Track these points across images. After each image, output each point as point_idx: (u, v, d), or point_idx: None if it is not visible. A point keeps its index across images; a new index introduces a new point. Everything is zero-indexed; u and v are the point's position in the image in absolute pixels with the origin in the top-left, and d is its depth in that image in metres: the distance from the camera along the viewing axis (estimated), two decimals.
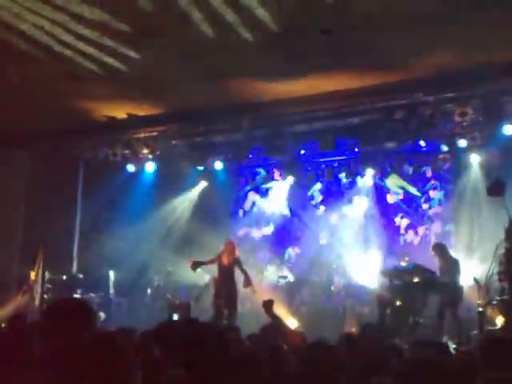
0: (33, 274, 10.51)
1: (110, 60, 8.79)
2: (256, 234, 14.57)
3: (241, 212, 14.86)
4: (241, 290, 10.89)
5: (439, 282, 9.85)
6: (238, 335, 5.38)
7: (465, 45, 8.79)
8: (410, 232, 13.11)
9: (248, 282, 10.54)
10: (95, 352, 1.68)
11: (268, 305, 7.34)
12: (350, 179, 13.79)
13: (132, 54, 8.66)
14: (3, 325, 5.87)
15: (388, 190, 13.50)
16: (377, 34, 8.39)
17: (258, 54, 9.01)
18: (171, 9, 7.47)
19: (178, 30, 8.23)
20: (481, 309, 8.83)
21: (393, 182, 13.48)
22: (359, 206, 13.55)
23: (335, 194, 13.97)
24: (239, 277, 10.80)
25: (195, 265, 10.77)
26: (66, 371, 1.66)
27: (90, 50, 8.51)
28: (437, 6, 7.57)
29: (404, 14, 7.78)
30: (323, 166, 14.12)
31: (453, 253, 10.58)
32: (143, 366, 3.38)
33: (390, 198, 13.47)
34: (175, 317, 10.72)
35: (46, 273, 11.20)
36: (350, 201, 13.71)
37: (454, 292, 9.71)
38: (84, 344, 1.72)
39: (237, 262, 10.51)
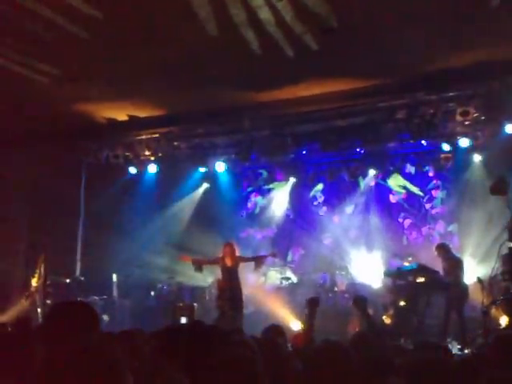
0: (34, 280, 10.50)
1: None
2: (258, 235, 14.56)
3: (243, 213, 14.85)
4: (244, 292, 10.88)
5: (443, 283, 9.83)
6: (242, 337, 5.36)
7: (466, 44, 8.78)
8: (413, 232, 13.09)
9: (259, 261, 10.61)
10: (86, 361, 1.67)
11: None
12: (352, 179, 13.76)
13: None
14: (9, 329, 5.86)
15: (390, 190, 13.48)
16: (379, 33, 8.37)
17: (260, 58, 9.01)
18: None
19: (180, 36, 8.24)
20: (485, 309, 8.80)
21: (395, 181, 13.46)
22: (361, 206, 13.53)
23: (337, 194, 13.95)
24: (242, 280, 10.79)
25: (196, 263, 10.72)
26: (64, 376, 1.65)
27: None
28: (438, 5, 7.56)
29: (405, 13, 7.77)
30: (325, 166, 14.10)
31: (456, 253, 10.56)
32: (145, 368, 3.37)
33: (393, 198, 13.46)
34: (183, 320, 10.68)
35: (49, 276, 11.19)
36: (353, 201, 13.70)
37: (458, 292, 9.69)
38: (74, 352, 1.72)
39: (241, 259, 10.51)
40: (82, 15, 7.60)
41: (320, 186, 14.20)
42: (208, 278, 12.47)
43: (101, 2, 7.43)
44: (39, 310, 10.84)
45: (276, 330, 5.49)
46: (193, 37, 8.29)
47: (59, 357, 1.71)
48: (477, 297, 9.36)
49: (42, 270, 11.01)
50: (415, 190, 13.26)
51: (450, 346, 7.98)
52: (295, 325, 10.97)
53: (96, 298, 12.21)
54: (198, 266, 10.70)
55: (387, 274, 11.00)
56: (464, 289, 9.76)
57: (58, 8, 7.50)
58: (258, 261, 10.69)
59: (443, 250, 10.37)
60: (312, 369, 3.02)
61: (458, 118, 10.89)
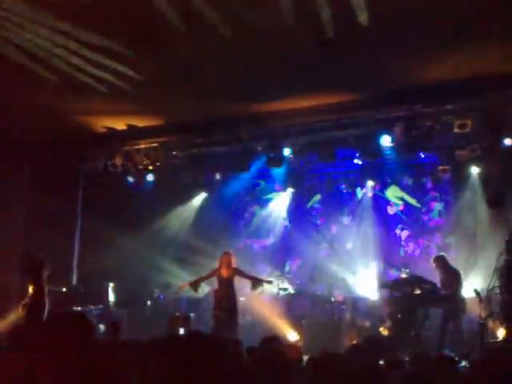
0: (31, 288, 10.46)
1: (109, 77, 8.81)
2: (256, 245, 14.56)
3: (241, 223, 14.84)
4: (241, 302, 10.87)
5: (440, 295, 9.82)
6: (240, 348, 5.34)
7: (464, 56, 8.82)
8: (411, 243, 13.09)
9: (257, 283, 10.51)
10: (94, 365, 1.67)
11: None
12: (349, 190, 13.79)
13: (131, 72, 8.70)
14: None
15: (388, 202, 13.50)
16: (376, 46, 8.41)
17: (259, 71, 9.05)
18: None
19: (177, 46, 8.27)
20: (482, 321, 8.80)
21: (393, 193, 13.48)
22: (359, 217, 13.54)
23: (335, 205, 13.96)
24: (239, 289, 10.77)
25: (193, 285, 10.72)
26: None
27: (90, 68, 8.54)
28: (436, 18, 7.60)
29: (403, 26, 7.81)
30: (323, 177, 14.12)
31: (453, 265, 10.55)
32: (144, 378, 3.36)
33: (390, 210, 13.47)
34: (181, 331, 10.66)
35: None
36: (350, 212, 13.71)
37: (456, 304, 9.68)
38: (83, 357, 1.72)
39: (237, 272, 10.45)
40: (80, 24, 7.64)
41: (318, 197, 14.22)
42: (204, 289, 12.44)
43: (98, 14, 7.46)
44: None
45: (274, 341, 5.48)
46: (192, 48, 8.32)
47: (55, 366, 1.71)
48: (474, 309, 9.37)
49: None
50: (413, 201, 13.28)
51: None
52: (291, 335, 10.98)
53: (92, 307, 12.17)
54: (195, 287, 10.69)
55: (384, 285, 11.01)
56: (462, 301, 9.76)
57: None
58: (256, 282, 10.54)
59: (441, 262, 10.36)
60: (311, 380, 3.03)
61: (456, 130, 10.91)
